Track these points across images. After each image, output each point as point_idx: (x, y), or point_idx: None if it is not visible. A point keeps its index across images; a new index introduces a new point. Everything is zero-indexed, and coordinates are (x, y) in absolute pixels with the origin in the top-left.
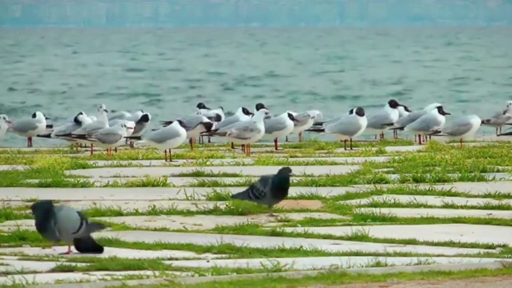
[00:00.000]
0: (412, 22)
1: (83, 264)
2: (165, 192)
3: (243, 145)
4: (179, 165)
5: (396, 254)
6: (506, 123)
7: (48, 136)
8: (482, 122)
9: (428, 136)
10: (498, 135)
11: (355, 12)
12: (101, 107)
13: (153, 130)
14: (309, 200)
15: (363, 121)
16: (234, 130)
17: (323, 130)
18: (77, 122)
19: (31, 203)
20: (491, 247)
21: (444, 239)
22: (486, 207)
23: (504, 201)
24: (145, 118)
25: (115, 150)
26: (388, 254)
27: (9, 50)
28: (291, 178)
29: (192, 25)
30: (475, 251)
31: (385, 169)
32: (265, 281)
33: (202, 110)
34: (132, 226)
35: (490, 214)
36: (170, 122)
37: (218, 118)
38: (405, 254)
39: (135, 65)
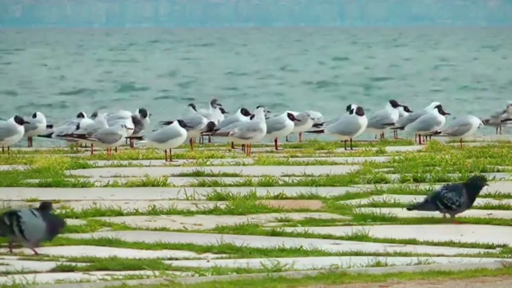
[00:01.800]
0: (412, 22)
1: (83, 264)
2: (165, 192)
3: (243, 145)
4: (179, 165)
5: (396, 254)
6: (506, 123)
7: (49, 136)
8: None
9: (428, 136)
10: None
11: (355, 12)
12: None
13: (153, 130)
14: (309, 200)
15: (362, 120)
16: (237, 130)
17: (322, 131)
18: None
19: (31, 203)
20: (491, 247)
21: (444, 239)
22: (486, 207)
23: (504, 201)
24: (143, 113)
25: (115, 150)
26: (388, 254)
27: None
28: (290, 178)
29: (192, 25)
30: (475, 251)
31: (385, 169)
32: (265, 281)
33: (202, 110)
34: (132, 226)
35: (490, 214)
36: (170, 122)
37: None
38: (405, 254)
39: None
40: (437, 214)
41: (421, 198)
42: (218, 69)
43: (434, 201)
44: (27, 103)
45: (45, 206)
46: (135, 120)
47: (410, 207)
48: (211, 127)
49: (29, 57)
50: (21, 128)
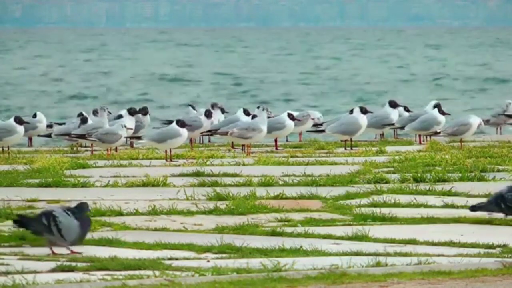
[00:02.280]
0: (412, 22)
1: (84, 264)
2: (165, 192)
3: (243, 145)
4: (179, 165)
5: (396, 254)
6: (506, 123)
7: (49, 136)
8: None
9: (428, 136)
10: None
11: (355, 12)
12: (103, 109)
13: (154, 128)
14: (309, 200)
15: (363, 120)
16: (236, 129)
17: (323, 131)
18: (83, 121)
19: (31, 203)
20: (491, 247)
21: (444, 239)
22: None
23: None
24: (144, 111)
25: (116, 150)
26: (388, 254)
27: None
28: (290, 178)
29: (192, 25)
30: (475, 251)
31: (385, 169)
32: (265, 281)
33: (202, 110)
34: (132, 226)
35: (491, 214)
36: (171, 122)
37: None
38: (405, 254)
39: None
40: (499, 215)
41: (421, 198)
42: (207, 69)
43: (497, 203)
44: (12, 106)
45: (81, 207)
46: (131, 111)
47: (474, 208)
48: (208, 115)
49: (16, 57)
50: (20, 128)
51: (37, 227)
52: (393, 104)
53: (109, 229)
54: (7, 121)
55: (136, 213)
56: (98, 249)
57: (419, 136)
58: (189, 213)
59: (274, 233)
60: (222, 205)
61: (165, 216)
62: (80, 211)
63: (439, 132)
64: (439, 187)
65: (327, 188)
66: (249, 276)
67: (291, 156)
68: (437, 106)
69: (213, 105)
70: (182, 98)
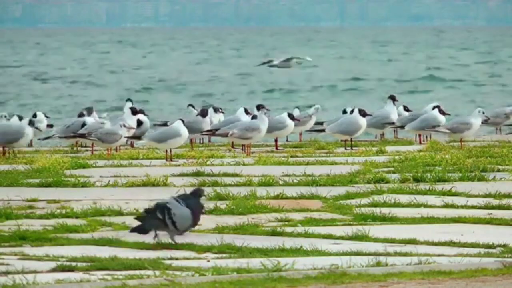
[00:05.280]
0: (412, 22)
1: (84, 264)
2: (165, 192)
3: (243, 145)
4: (179, 165)
5: (397, 254)
6: (505, 123)
7: (49, 136)
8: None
9: (428, 136)
10: (507, 133)
11: (355, 12)
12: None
13: (154, 124)
14: (310, 200)
15: (362, 121)
16: (236, 130)
17: (323, 131)
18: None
19: (31, 203)
20: (492, 247)
21: (444, 239)
22: (486, 207)
23: (505, 201)
24: (143, 112)
25: (116, 150)
26: (388, 254)
27: None
28: (290, 178)
29: (192, 24)
30: (475, 251)
31: (386, 169)
32: (266, 281)
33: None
34: (132, 226)
35: (491, 214)
36: (165, 122)
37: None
38: (405, 254)
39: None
40: None
41: (421, 198)
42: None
43: None
44: None
45: (196, 193)
46: (133, 111)
47: None
48: (203, 115)
49: None
50: (30, 130)
51: (153, 222)
52: (393, 98)
53: (109, 229)
54: (20, 123)
55: (137, 213)
56: (98, 249)
57: (419, 136)
58: None
59: (274, 233)
60: (222, 205)
61: None
62: (195, 196)
63: (439, 125)
64: (439, 187)
65: (327, 188)
66: (249, 276)
67: (291, 156)
68: (437, 107)
69: (216, 110)
70: None
